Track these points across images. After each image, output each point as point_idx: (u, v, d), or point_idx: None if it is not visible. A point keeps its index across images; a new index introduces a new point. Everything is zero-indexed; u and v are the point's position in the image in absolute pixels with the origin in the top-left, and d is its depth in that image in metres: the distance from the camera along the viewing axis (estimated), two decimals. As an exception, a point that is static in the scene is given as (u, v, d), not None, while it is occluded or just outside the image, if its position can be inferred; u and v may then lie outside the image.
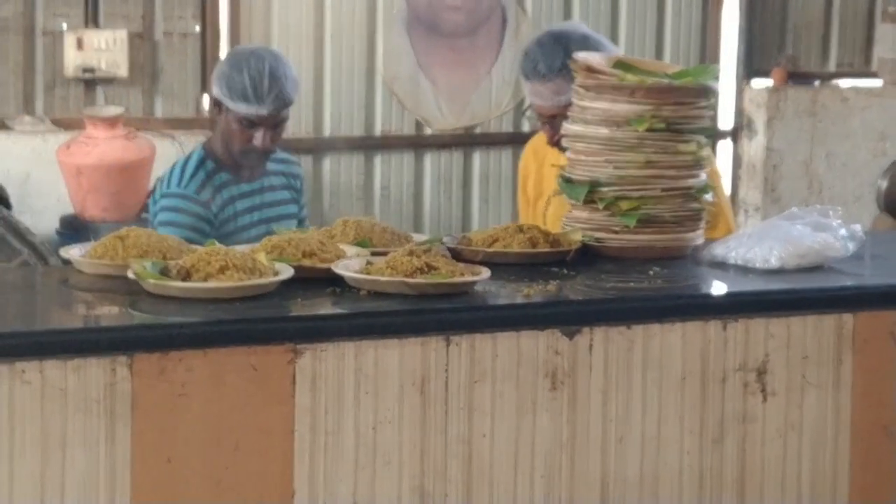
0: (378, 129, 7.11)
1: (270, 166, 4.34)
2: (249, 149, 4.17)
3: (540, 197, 4.29)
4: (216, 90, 4.19)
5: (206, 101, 6.67)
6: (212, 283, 2.96)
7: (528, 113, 4.04)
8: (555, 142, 4.03)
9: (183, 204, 4.18)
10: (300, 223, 4.38)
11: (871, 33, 7.97)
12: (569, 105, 3.79)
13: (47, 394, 2.67)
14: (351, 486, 2.89)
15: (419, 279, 3.01)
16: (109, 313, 2.93)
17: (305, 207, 4.55)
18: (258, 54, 4.29)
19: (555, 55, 4.00)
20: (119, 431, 2.71)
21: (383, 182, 7.15)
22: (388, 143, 7.14)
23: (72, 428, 2.69)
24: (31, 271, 4.69)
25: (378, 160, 7.11)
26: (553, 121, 4.01)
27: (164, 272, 3.01)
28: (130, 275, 3.01)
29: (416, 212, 7.20)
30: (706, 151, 3.67)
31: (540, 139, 4.24)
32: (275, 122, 4.16)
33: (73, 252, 3.25)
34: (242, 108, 4.11)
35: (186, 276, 2.99)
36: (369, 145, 7.06)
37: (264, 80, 4.09)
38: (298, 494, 2.84)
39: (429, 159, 7.22)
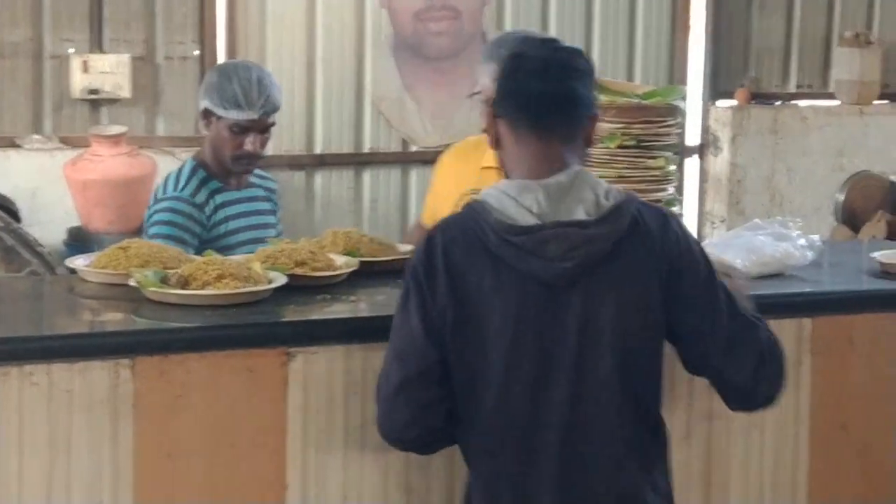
0: (367, 146, 7.11)
1: (253, 179, 4.35)
2: (241, 154, 4.16)
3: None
4: (206, 101, 4.17)
5: (204, 119, 6.66)
6: (209, 291, 2.96)
7: (475, 95, 3.98)
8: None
9: (178, 205, 4.13)
10: (278, 235, 4.38)
11: (829, 57, 7.99)
12: None
13: (54, 395, 2.66)
14: (340, 482, 2.88)
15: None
16: (112, 319, 2.93)
17: (280, 222, 4.55)
18: (244, 65, 4.32)
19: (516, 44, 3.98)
20: (122, 430, 2.71)
21: (372, 196, 7.14)
22: (376, 160, 7.13)
23: (77, 427, 2.68)
24: (39, 280, 4.68)
25: (367, 175, 7.10)
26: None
27: (164, 280, 3.00)
28: (132, 283, 3.00)
29: (403, 223, 7.19)
30: (672, 167, 3.67)
31: (468, 144, 4.20)
32: (264, 127, 4.17)
33: (78, 262, 3.24)
34: (234, 115, 4.10)
35: (185, 284, 2.99)
36: (358, 161, 7.06)
37: (254, 88, 4.10)
38: (291, 489, 2.84)
39: (414, 174, 7.21)
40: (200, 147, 4.35)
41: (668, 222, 2.72)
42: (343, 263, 3.29)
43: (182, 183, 4.18)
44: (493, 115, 2.79)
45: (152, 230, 4.02)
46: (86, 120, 6.45)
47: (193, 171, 4.22)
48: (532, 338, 2.65)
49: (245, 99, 4.08)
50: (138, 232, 5.75)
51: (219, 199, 4.19)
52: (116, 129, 6.22)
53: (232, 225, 4.18)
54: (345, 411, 2.87)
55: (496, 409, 2.68)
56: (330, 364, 2.85)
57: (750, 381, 2.71)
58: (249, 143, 4.13)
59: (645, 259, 2.66)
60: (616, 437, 2.68)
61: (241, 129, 4.12)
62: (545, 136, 2.72)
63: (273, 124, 4.20)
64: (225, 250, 3.89)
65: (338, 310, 3.05)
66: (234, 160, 4.16)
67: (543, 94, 2.72)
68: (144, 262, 3.13)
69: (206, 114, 4.19)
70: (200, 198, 4.16)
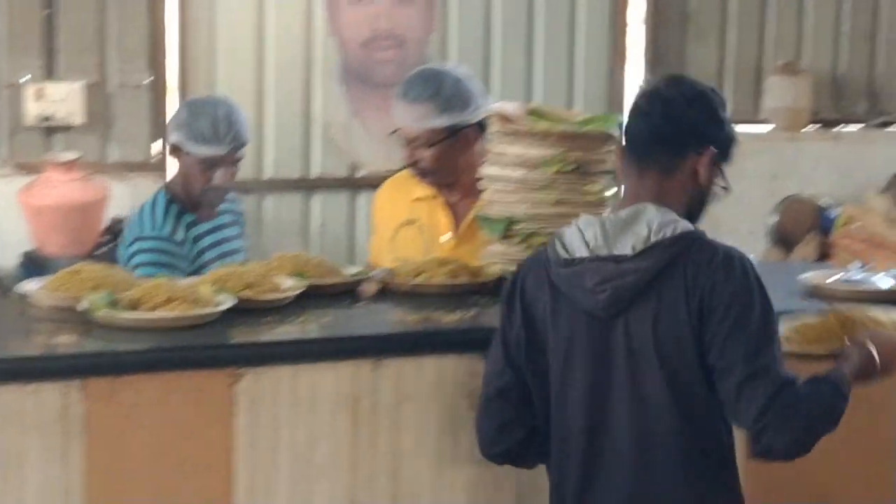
0: (315, 172, 7.09)
1: (223, 206, 4.34)
2: (210, 188, 4.17)
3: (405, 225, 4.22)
4: (176, 137, 4.16)
5: (156, 146, 6.64)
6: (158, 314, 2.95)
7: (394, 134, 4.03)
8: (411, 164, 4.04)
9: (164, 246, 4.13)
10: (245, 261, 4.37)
11: (761, 85, 8.04)
12: (431, 130, 3.93)
13: (6, 416, 2.65)
14: (287, 499, 2.88)
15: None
16: (64, 342, 2.91)
17: (245, 242, 4.55)
18: (213, 101, 4.30)
19: (427, 84, 4.00)
20: (73, 450, 2.69)
21: (320, 220, 7.13)
22: (324, 184, 7.11)
23: (29, 447, 2.67)
24: (-7, 303, 4.64)
25: (315, 200, 7.09)
26: (413, 143, 4.01)
27: (115, 304, 2.99)
28: (83, 306, 2.99)
29: (350, 247, 7.17)
30: (609, 192, 3.69)
31: (400, 177, 4.23)
32: (232, 161, 4.18)
33: (30, 286, 3.23)
34: (204, 150, 4.11)
35: (135, 307, 2.98)
36: (307, 186, 7.04)
37: (222, 124, 4.11)
38: (239, 507, 2.84)
39: (362, 198, 7.19)
40: (159, 175, 4.35)
41: (715, 260, 2.74)
42: (290, 286, 3.29)
43: (159, 220, 4.17)
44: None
45: (140, 271, 3.90)
46: (40, 146, 6.41)
47: (167, 207, 4.20)
48: (582, 363, 2.80)
49: (214, 135, 4.09)
50: (91, 256, 5.74)
51: (193, 232, 4.20)
52: (70, 156, 6.18)
53: (206, 256, 4.19)
54: (291, 430, 2.87)
55: (557, 427, 2.83)
56: (277, 384, 2.85)
57: (751, 426, 2.69)
58: (219, 177, 4.14)
59: (680, 293, 2.72)
60: (675, 462, 2.75)
61: (210, 164, 4.13)
62: (643, 170, 2.85)
63: (241, 158, 4.22)
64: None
65: (285, 331, 3.05)
66: (203, 193, 4.17)
67: (643, 129, 2.85)
68: (95, 285, 3.12)
69: (175, 148, 4.19)
70: (180, 235, 4.17)
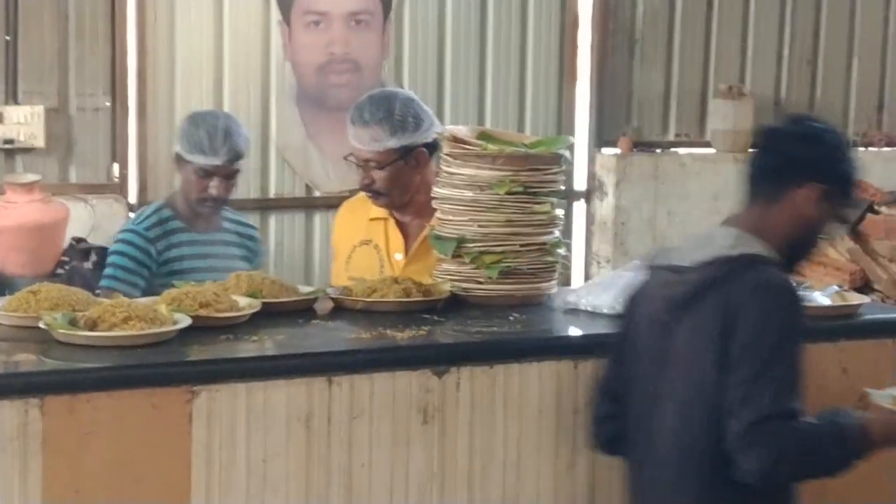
0: (272, 192, 7.07)
1: (227, 225, 4.41)
2: (205, 197, 4.25)
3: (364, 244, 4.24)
4: (177, 146, 4.29)
5: (115, 168, 6.60)
6: (116, 332, 2.93)
7: (348, 158, 4.05)
8: (365, 186, 4.04)
9: (133, 238, 4.26)
10: None
11: (705, 108, 8.09)
12: (383, 152, 3.94)
13: (-35, 434, 2.62)
14: (243, 513, 2.86)
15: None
16: (23, 360, 2.88)
17: (261, 268, 4.55)
18: (214, 114, 4.46)
19: (379, 107, 4.00)
20: (31, 467, 2.67)
21: (277, 239, 7.11)
22: (281, 205, 7.10)
23: (-12, 464, 2.64)
24: (-46, 323, 4.60)
25: (272, 219, 7.07)
26: (367, 164, 4.01)
27: (73, 323, 2.97)
28: (42, 325, 2.97)
29: (307, 266, 7.16)
30: (558, 211, 3.70)
31: (357, 199, 4.23)
32: (227, 173, 4.25)
33: (-10, 305, 3.20)
34: (200, 160, 4.20)
35: (93, 326, 2.96)
36: (264, 206, 7.02)
37: (219, 135, 4.19)
38: (195, 521, 2.82)
39: (318, 218, 7.18)
40: (119, 197, 4.44)
41: (753, 284, 2.77)
42: (246, 305, 3.28)
43: (142, 219, 4.34)
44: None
45: (110, 258, 4.29)
46: (1, 168, 6.37)
47: (157, 210, 4.36)
48: (642, 364, 2.92)
49: (210, 145, 4.19)
50: (51, 276, 5.70)
51: (177, 238, 4.29)
52: (30, 177, 6.14)
53: (187, 264, 4.24)
54: (247, 446, 2.85)
55: (630, 422, 2.96)
56: (232, 401, 2.84)
57: (728, 444, 2.72)
58: (213, 188, 4.23)
59: (711, 311, 2.78)
60: (676, 481, 2.84)
61: (206, 174, 4.22)
62: (751, 199, 2.97)
63: (238, 171, 4.28)
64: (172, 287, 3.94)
65: (240, 349, 3.04)
66: (199, 202, 4.27)
67: (755, 161, 2.99)
68: (54, 305, 3.10)
69: (177, 158, 4.29)
70: (155, 233, 4.27)
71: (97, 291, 3.98)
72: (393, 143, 3.94)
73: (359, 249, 4.08)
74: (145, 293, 4.05)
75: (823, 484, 2.88)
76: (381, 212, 4.09)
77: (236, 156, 4.23)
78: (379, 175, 3.98)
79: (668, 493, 2.85)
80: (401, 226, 4.06)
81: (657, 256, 3.01)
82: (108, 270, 4.28)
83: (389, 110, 3.96)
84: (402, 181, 3.94)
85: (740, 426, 2.69)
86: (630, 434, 2.95)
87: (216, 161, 4.20)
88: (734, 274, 2.78)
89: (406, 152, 3.92)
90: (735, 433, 2.70)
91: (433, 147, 3.95)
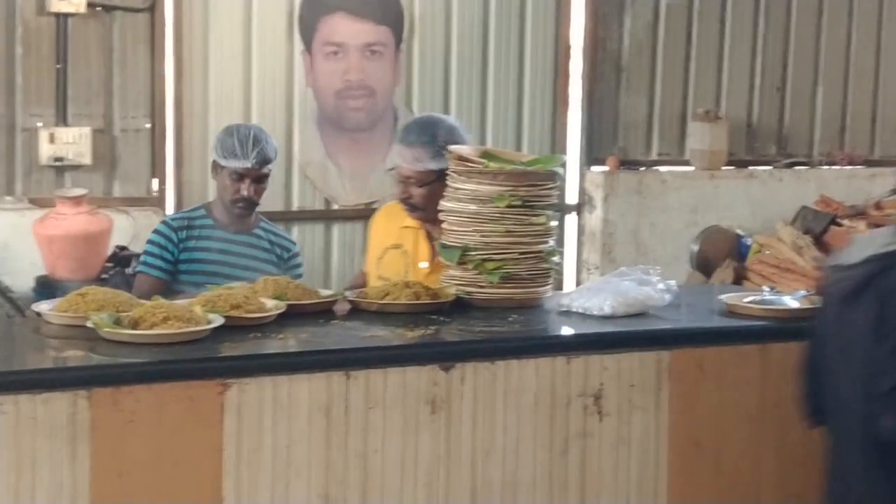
0: (295, 205, 7.09)
1: (260, 232, 4.49)
2: (238, 199, 4.35)
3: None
4: (214, 154, 4.41)
5: (154, 183, 6.62)
6: (156, 331, 2.94)
7: (391, 171, 4.07)
8: (403, 199, 4.05)
9: (160, 227, 4.43)
10: None
11: (685, 129, 8.09)
12: (423, 172, 3.94)
13: (21, 422, 2.62)
14: (269, 494, 2.86)
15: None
16: (72, 356, 2.89)
17: (296, 280, 4.60)
18: (245, 125, 4.60)
19: (423, 131, 4.01)
20: (80, 453, 2.67)
21: (299, 247, 7.12)
22: (302, 216, 7.11)
23: (41, 450, 2.64)
24: (9, 322, 4.61)
25: (295, 230, 7.07)
26: (407, 181, 4.02)
27: (118, 322, 2.97)
28: (90, 324, 2.97)
29: (326, 272, 7.16)
30: (553, 223, 3.70)
31: (393, 206, 4.23)
32: (258, 176, 4.33)
33: (43, 307, 3.20)
34: (233, 164, 4.32)
35: (135, 325, 2.97)
36: (288, 218, 7.03)
37: (249, 141, 4.32)
38: (227, 502, 2.81)
39: (336, 229, 7.19)
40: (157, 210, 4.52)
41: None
42: (273, 306, 3.28)
43: (174, 216, 4.61)
44: None
45: (145, 247, 4.45)
46: (52, 183, 6.38)
47: (191, 210, 4.55)
48: (827, 345, 2.94)
49: (241, 151, 4.29)
50: (96, 280, 5.72)
51: (206, 233, 4.41)
52: (78, 192, 6.15)
53: (213, 257, 4.34)
54: (273, 433, 2.85)
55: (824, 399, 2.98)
56: (260, 393, 2.84)
57: (878, 402, 2.75)
58: (245, 189, 4.33)
59: (872, 300, 2.80)
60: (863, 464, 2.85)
61: (239, 177, 4.33)
62: None
63: (267, 175, 4.37)
64: (197, 275, 4.26)
65: (268, 346, 3.04)
66: (233, 203, 4.37)
67: None
68: (100, 306, 3.10)
69: (214, 165, 4.38)
70: (179, 223, 4.42)
71: (108, 265, 4.16)
72: (433, 165, 3.94)
73: (390, 252, 4.09)
74: (171, 274, 4.33)
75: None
76: (413, 222, 4.07)
77: (265, 160, 4.33)
78: (417, 192, 3.98)
79: (855, 474, 2.86)
80: (430, 237, 4.05)
81: (837, 258, 3.09)
82: (141, 258, 4.48)
83: (434, 135, 3.95)
84: (437, 199, 3.89)
85: (889, 384, 2.72)
86: (826, 409, 3.00)
87: (247, 164, 4.30)
88: (888, 268, 2.82)
89: (444, 174, 3.88)
90: (882, 392, 2.72)
91: None
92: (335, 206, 7.18)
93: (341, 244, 7.22)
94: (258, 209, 4.48)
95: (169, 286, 4.25)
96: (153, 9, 6.51)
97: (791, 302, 3.58)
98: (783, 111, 8.42)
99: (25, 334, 3.29)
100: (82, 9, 6.27)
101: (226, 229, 4.39)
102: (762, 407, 3.36)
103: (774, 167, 8.27)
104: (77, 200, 6.06)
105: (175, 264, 4.35)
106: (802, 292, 3.66)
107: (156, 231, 4.43)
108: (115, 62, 6.49)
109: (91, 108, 6.46)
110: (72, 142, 6.36)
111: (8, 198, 6.30)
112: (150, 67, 6.56)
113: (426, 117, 4.17)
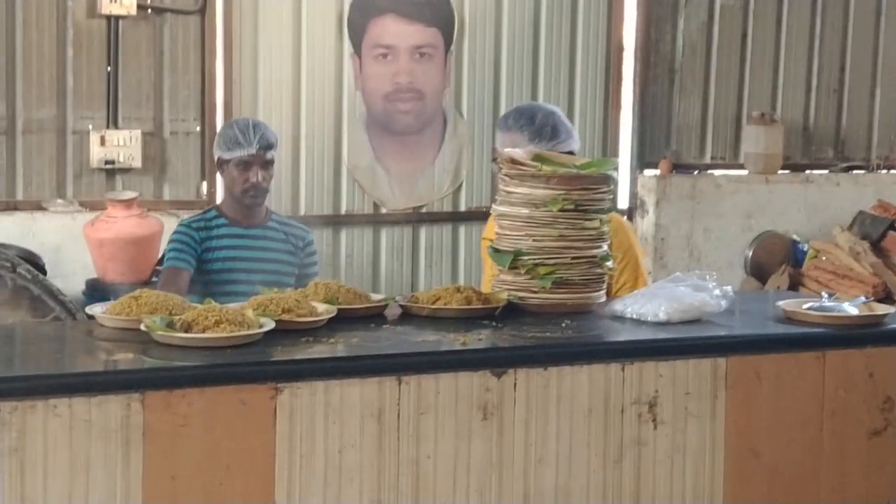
0: (343, 209, 7.11)
1: (273, 224, 4.60)
2: (248, 188, 4.46)
3: None
4: (217, 151, 4.50)
5: (204, 186, 6.67)
6: (208, 334, 2.96)
7: (495, 157, 4.07)
8: None
9: (180, 228, 4.58)
10: (303, 277, 4.50)
11: (739, 133, 8.06)
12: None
13: (74, 425, 2.65)
14: (321, 499, 2.87)
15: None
16: (125, 359, 2.92)
17: (313, 266, 4.70)
18: (241, 117, 4.82)
19: (521, 115, 4.09)
20: (133, 455, 2.69)
21: (347, 252, 7.14)
22: (351, 220, 7.14)
23: (94, 452, 2.67)
24: (61, 325, 4.65)
25: (343, 234, 7.11)
26: None
27: (170, 325, 3.00)
28: (142, 328, 3.00)
29: (374, 276, 7.19)
30: (606, 227, 3.68)
31: None
32: (263, 162, 4.41)
33: (96, 309, 3.23)
34: (237, 153, 4.40)
35: (188, 328, 2.99)
36: (336, 222, 7.06)
37: (249, 129, 4.43)
38: (279, 506, 2.84)
39: (384, 233, 7.22)
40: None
41: None
42: (324, 310, 3.29)
43: (190, 219, 4.67)
44: None
45: (167, 247, 4.62)
46: (102, 186, 6.44)
47: (207, 211, 4.69)
48: None
49: (243, 138, 4.38)
50: (147, 283, 5.77)
51: (221, 231, 4.54)
52: (129, 194, 6.21)
53: (230, 253, 4.42)
54: (325, 438, 2.86)
55: None
56: (312, 397, 2.85)
57: None
58: (253, 176, 4.39)
59: None
60: None
61: (245, 165, 4.42)
62: None
63: (272, 161, 4.44)
64: (221, 272, 4.41)
65: (319, 350, 3.05)
66: (243, 193, 4.46)
67: None
68: (153, 309, 3.12)
69: (218, 161, 4.45)
70: (197, 224, 4.57)
71: (158, 268, 4.30)
72: (531, 148, 3.95)
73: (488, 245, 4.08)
74: (196, 271, 4.49)
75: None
76: None
77: (268, 144, 4.45)
78: None
79: None
80: None
81: None
82: (167, 256, 4.62)
83: (531, 118, 4.03)
84: None
85: None
86: None
87: (251, 150, 4.42)
88: None
89: None
90: None
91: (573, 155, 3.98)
92: (383, 210, 7.20)
93: (390, 248, 7.24)
94: (266, 204, 4.65)
95: (195, 280, 4.44)
96: (203, 11, 6.57)
97: (851, 308, 3.55)
98: (840, 114, 8.36)
99: (78, 337, 3.32)
100: (133, 11, 6.34)
101: (239, 225, 4.50)
102: (821, 416, 3.33)
103: (831, 171, 8.21)
104: (127, 203, 6.12)
105: (199, 262, 4.49)
106: (861, 299, 3.63)
107: (177, 231, 4.58)
108: (166, 65, 6.54)
109: (141, 110, 6.52)
110: (122, 144, 6.42)
111: (59, 200, 6.37)
112: (200, 70, 6.61)
113: (525, 104, 4.29)
